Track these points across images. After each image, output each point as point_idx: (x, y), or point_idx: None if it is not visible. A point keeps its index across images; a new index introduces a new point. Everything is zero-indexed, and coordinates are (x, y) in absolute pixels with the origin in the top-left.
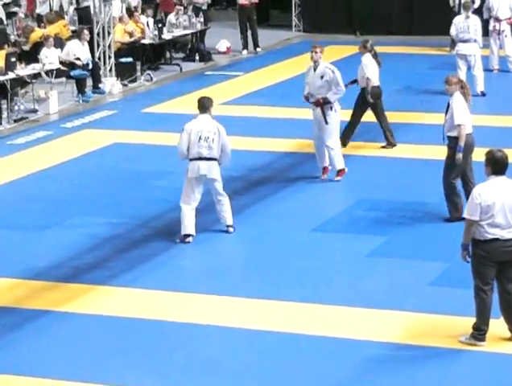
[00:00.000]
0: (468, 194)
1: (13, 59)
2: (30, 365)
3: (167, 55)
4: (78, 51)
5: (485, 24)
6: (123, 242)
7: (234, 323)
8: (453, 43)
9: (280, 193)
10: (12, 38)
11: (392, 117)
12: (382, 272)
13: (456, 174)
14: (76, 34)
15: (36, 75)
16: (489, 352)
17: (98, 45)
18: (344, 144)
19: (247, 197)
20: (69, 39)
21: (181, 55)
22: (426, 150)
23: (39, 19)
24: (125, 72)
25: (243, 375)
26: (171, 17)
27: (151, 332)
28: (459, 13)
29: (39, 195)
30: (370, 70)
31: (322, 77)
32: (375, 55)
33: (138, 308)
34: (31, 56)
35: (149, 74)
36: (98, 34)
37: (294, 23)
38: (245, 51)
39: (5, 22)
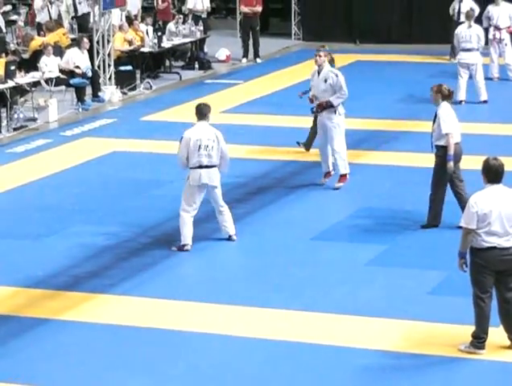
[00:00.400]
0: (460, 203)
1: (12, 68)
2: (30, 374)
3: (167, 63)
4: (78, 59)
5: (485, 33)
6: (123, 250)
7: (234, 332)
8: (453, 52)
9: (279, 202)
10: (12, 46)
11: (392, 125)
12: (382, 280)
13: (444, 183)
14: (75, 43)
15: (36, 84)
16: (489, 360)
17: (98, 53)
18: (307, 149)
19: (247, 205)
20: (69, 47)
21: (180, 63)
22: (425, 159)
23: (39, 28)
24: (124, 81)
25: (243, 383)
26: (171, 25)
27: (151, 340)
28: (458, 21)
29: (39, 203)
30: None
31: (326, 81)
32: (332, 61)
33: (138, 316)
34: (31, 64)
35: (148, 82)
36: (98, 43)
37: (293, 32)
38: (244, 60)
39: (4, 31)
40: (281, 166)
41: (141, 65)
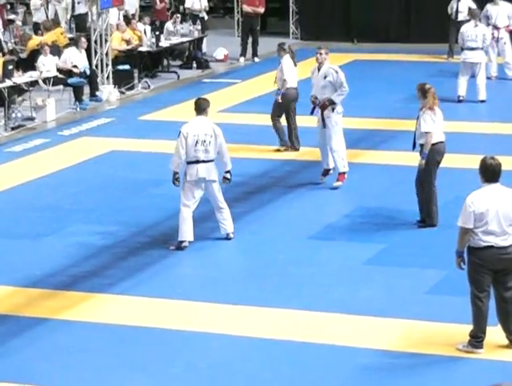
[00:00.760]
0: (423, 198)
1: (10, 67)
2: (28, 373)
3: (165, 62)
4: (75, 58)
5: None
6: (121, 250)
7: (232, 331)
8: (451, 51)
9: (278, 201)
10: (9, 46)
11: (390, 124)
12: (380, 280)
13: (432, 180)
14: (73, 42)
15: (33, 83)
16: (487, 360)
17: (95, 53)
18: (296, 148)
19: (245, 205)
20: (66, 46)
21: (178, 62)
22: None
23: (36, 27)
24: (122, 80)
25: (241, 383)
26: (169, 24)
27: (149, 340)
28: (456, 20)
29: (37, 202)
30: (288, 72)
31: (325, 77)
32: (293, 57)
33: (136, 316)
34: (29, 64)
35: (146, 82)
36: (95, 42)
37: (291, 31)
38: (242, 59)
39: (1, 30)
40: (279, 165)
41: (139, 64)
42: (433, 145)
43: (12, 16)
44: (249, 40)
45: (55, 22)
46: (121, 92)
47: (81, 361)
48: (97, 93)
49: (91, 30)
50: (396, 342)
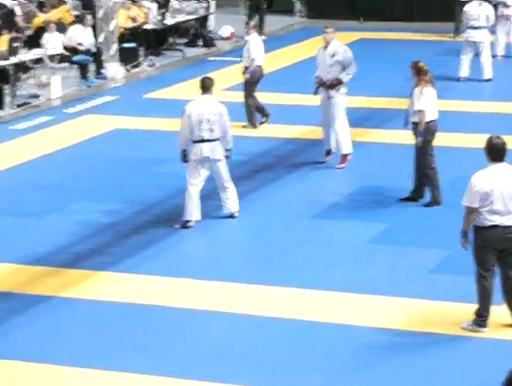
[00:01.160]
0: (420, 177)
1: (16, 44)
2: (31, 351)
3: (170, 40)
4: (81, 36)
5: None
6: (124, 228)
7: (235, 309)
8: (457, 30)
9: (281, 180)
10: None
11: (395, 103)
12: (383, 259)
13: (430, 158)
14: (78, 20)
15: (39, 61)
16: (491, 339)
17: (101, 30)
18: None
19: (249, 183)
20: (72, 24)
21: (184, 40)
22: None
23: (41, 5)
24: (127, 58)
25: (244, 361)
26: (175, 2)
27: (152, 318)
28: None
29: (40, 180)
30: (256, 50)
31: (333, 56)
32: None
33: (140, 294)
34: (34, 41)
35: (151, 59)
36: (101, 20)
37: (297, 9)
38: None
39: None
40: (283, 143)
41: (144, 42)
42: (426, 123)
43: None
44: (256, 18)
45: (61, 0)
46: (127, 70)
47: (84, 339)
48: (103, 71)
49: (96, 7)
50: (399, 321)
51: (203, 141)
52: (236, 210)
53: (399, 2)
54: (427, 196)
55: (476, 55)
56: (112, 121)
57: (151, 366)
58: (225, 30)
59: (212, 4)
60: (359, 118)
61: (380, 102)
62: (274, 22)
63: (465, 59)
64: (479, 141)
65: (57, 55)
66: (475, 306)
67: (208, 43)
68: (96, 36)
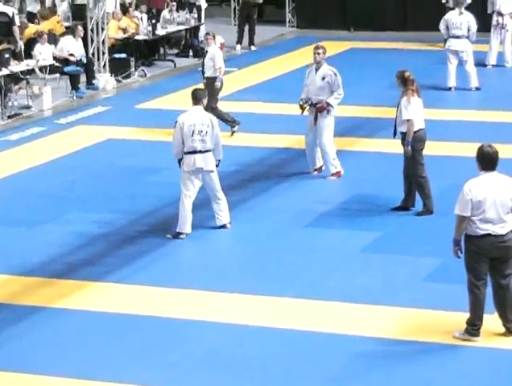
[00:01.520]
0: (409, 186)
1: (7, 56)
2: (24, 361)
3: (161, 50)
4: (72, 47)
5: (489, 19)
6: (118, 238)
7: (229, 319)
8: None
9: (274, 189)
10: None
11: (387, 112)
12: (377, 267)
13: (421, 166)
14: (69, 30)
15: (30, 72)
16: (484, 347)
17: (92, 41)
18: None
19: (241, 193)
20: (63, 35)
21: (175, 50)
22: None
23: (31, 16)
24: (119, 68)
25: (238, 370)
26: (165, 13)
27: (146, 328)
28: (454, 9)
29: (33, 190)
30: (221, 60)
31: (323, 78)
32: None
33: (133, 304)
34: (25, 52)
35: (143, 70)
36: (92, 30)
37: (288, 19)
38: (238, 47)
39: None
40: (275, 153)
41: (135, 53)
42: (414, 132)
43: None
44: (246, 28)
45: (52, 11)
46: (118, 81)
47: (78, 349)
48: (94, 81)
49: (87, 18)
50: (392, 329)
51: (195, 152)
52: (228, 221)
53: (391, 12)
54: (419, 204)
55: (460, 63)
56: (104, 132)
57: (146, 376)
58: (216, 41)
59: (202, 14)
60: (350, 127)
61: (371, 111)
62: (264, 31)
63: (452, 69)
64: (471, 149)
65: (49, 65)
66: (468, 315)
67: (199, 53)
68: (87, 47)
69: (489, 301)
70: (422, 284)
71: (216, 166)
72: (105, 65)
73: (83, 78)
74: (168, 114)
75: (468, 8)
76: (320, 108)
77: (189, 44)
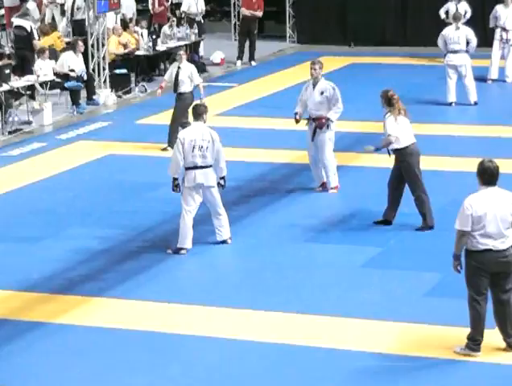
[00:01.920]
0: (394, 199)
1: (7, 71)
2: (24, 378)
3: (162, 66)
4: (72, 62)
5: (490, 33)
6: (118, 253)
7: (229, 334)
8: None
9: (274, 204)
10: (6, 50)
11: None
12: (377, 282)
13: (419, 181)
14: (70, 46)
15: (30, 87)
16: (484, 362)
17: (92, 56)
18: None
19: (242, 208)
20: (63, 50)
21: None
22: (421, 161)
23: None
24: (119, 84)
25: (238, 385)
26: (166, 28)
27: (146, 344)
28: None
29: (34, 206)
30: (198, 76)
31: (322, 93)
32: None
33: (133, 320)
34: (24, 68)
35: (143, 85)
36: (92, 46)
37: (288, 34)
38: (238, 62)
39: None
40: (275, 168)
41: (136, 68)
42: (404, 148)
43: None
44: (246, 44)
45: (52, 27)
46: (118, 96)
47: (78, 365)
48: (94, 97)
49: (88, 34)
50: (393, 345)
51: (196, 167)
52: (229, 237)
53: (391, 27)
54: (408, 220)
55: (459, 78)
56: (105, 147)
57: None
58: (216, 56)
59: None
60: (351, 142)
61: (372, 126)
62: (265, 47)
63: (451, 84)
64: (471, 164)
65: (49, 81)
66: (468, 330)
67: (200, 68)
68: (87, 62)
69: (489, 316)
70: (422, 299)
71: (221, 184)
72: (105, 80)
73: (83, 93)
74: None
75: (468, 22)
76: (319, 125)
77: (189, 60)
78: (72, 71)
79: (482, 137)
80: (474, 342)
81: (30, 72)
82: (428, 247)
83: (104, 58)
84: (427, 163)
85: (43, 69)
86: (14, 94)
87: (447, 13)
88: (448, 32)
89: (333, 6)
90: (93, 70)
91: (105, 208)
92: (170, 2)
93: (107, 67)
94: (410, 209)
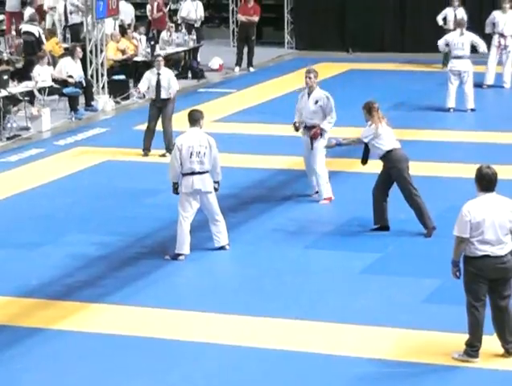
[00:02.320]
0: (379, 204)
1: (5, 77)
2: (23, 383)
3: None
4: (71, 68)
5: (487, 39)
6: (116, 260)
7: (228, 341)
8: (446, 60)
9: (273, 210)
10: (5, 56)
11: None
12: (376, 289)
13: (411, 185)
14: (68, 52)
15: (29, 93)
16: (483, 369)
17: (91, 62)
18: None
19: (240, 214)
20: (62, 56)
21: (174, 72)
22: (419, 167)
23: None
24: (117, 90)
25: None
26: (164, 34)
27: (145, 350)
28: (455, 29)
29: (32, 212)
30: (176, 82)
31: (316, 102)
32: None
33: (132, 326)
34: (24, 74)
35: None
36: (91, 52)
37: (286, 40)
38: (237, 68)
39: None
40: (273, 174)
41: (134, 74)
42: (389, 152)
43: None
44: (245, 50)
45: (51, 32)
46: (117, 102)
47: (77, 370)
48: (93, 103)
49: (86, 40)
50: (392, 351)
51: (193, 173)
52: (227, 243)
53: (389, 33)
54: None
55: (460, 84)
56: (103, 153)
57: None
58: (215, 62)
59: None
60: (349, 149)
61: None
62: (263, 53)
63: (452, 90)
64: (469, 170)
65: (47, 87)
66: (467, 336)
67: (198, 74)
68: (85, 68)
69: (488, 322)
70: (421, 305)
71: (215, 189)
72: (103, 87)
73: (82, 99)
74: None
75: (465, 28)
76: (314, 135)
77: (188, 66)
78: (71, 77)
79: (480, 144)
80: (472, 349)
81: None
82: (427, 253)
83: (102, 64)
84: (425, 169)
85: (42, 75)
86: (13, 100)
87: (444, 19)
88: (452, 38)
89: (332, 13)
90: (92, 76)
91: (103, 214)
92: (168, 8)
93: (105, 73)
94: (407, 215)
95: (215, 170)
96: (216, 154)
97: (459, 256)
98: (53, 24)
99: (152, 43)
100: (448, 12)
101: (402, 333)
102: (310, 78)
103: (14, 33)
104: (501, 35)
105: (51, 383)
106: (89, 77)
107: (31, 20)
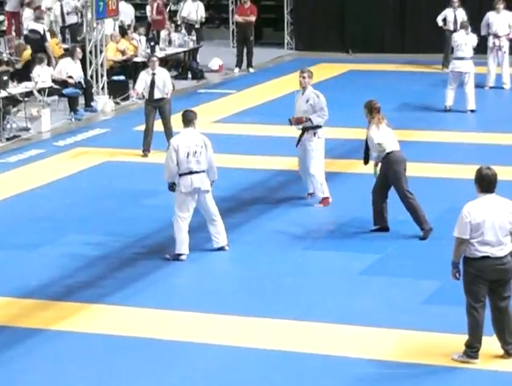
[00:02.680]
0: (379, 206)
1: (5, 78)
2: (23, 384)
3: None
4: (70, 69)
5: (484, 41)
6: (116, 260)
7: (227, 342)
8: (446, 61)
9: (272, 211)
10: (4, 56)
11: None
12: (375, 290)
13: (406, 188)
14: (68, 53)
15: (29, 94)
16: (482, 370)
17: (91, 63)
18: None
19: (239, 215)
20: (61, 57)
21: (174, 73)
22: (418, 168)
23: (26, 39)
24: (117, 90)
25: None
26: (163, 34)
27: (144, 350)
28: (455, 30)
29: (32, 213)
30: (170, 83)
31: (307, 101)
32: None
33: (131, 326)
34: (24, 75)
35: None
36: (91, 53)
37: (286, 41)
38: (236, 69)
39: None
40: (273, 175)
41: (134, 75)
42: (389, 154)
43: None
44: (245, 51)
45: (51, 33)
46: (116, 103)
47: (77, 371)
48: (92, 104)
49: (86, 40)
50: (391, 352)
51: (191, 172)
52: (226, 243)
53: (389, 34)
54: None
55: (461, 85)
56: (103, 154)
57: None
58: (215, 63)
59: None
60: (348, 150)
61: None
62: (263, 54)
63: (451, 90)
64: (468, 171)
65: (47, 88)
66: (466, 337)
67: (198, 75)
68: (85, 69)
69: (487, 323)
70: (421, 306)
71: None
72: (103, 87)
73: (81, 100)
74: None
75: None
76: (297, 120)
77: (188, 66)
78: (70, 77)
79: (480, 145)
80: (472, 350)
81: None
82: (426, 254)
83: (102, 65)
84: (425, 170)
85: (42, 76)
86: (13, 100)
87: (444, 20)
88: (457, 38)
89: (332, 13)
90: (91, 77)
91: (103, 215)
92: (168, 9)
93: (105, 73)
94: (405, 216)
95: (211, 170)
96: (211, 154)
97: (459, 258)
98: (50, 25)
99: (152, 43)
100: (448, 13)
101: (402, 334)
102: (304, 78)
103: (13, 34)
104: (496, 36)
105: (50, 384)
106: (89, 78)
107: (37, 18)
